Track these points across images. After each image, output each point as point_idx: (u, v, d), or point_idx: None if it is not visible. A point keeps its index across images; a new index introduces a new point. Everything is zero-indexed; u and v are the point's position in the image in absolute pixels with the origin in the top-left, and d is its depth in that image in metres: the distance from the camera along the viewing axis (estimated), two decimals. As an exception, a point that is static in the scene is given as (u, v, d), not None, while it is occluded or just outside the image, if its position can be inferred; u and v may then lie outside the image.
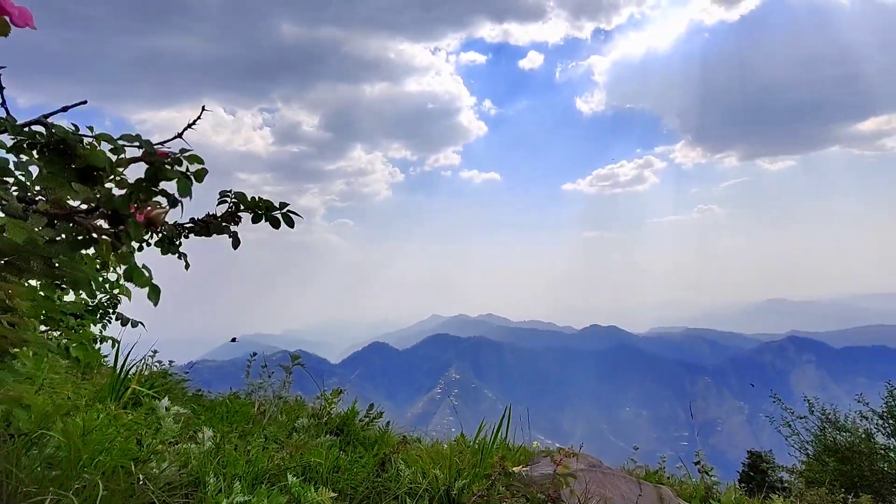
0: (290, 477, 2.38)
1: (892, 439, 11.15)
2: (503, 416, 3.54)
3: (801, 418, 11.61)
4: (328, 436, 3.39)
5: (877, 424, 11.28)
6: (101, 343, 3.75)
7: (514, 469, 2.63)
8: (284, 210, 1.77)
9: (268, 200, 1.76)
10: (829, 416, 11.57)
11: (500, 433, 3.47)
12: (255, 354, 5.03)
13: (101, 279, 3.44)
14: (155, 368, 4.61)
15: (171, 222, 1.76)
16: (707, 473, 4.15)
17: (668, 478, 4.29)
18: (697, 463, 4.78)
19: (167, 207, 1.62)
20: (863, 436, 11.16)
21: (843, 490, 7.35)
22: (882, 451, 10.88)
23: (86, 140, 1.44)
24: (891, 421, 11.01)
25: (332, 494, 2.30)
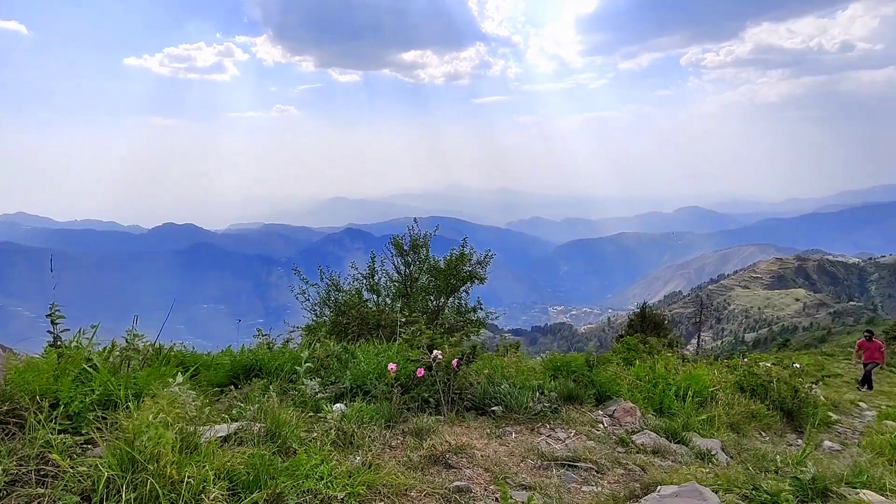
0: None
1: (372, 294, 15.37)
2: None
3: (313, 285, 14.52)
4: None
5: (363, 284, 15.24)
6: None
7: None
8: None
9: None
10: (334, 282, 14.90)
11: None
12: None
13: None
14: None
15: None
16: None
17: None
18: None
19: None
20: (354, 293, 14.90)
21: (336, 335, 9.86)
22: (365, 302, 14.87)
23: None
24: (371, 280, 15.06)
25: None
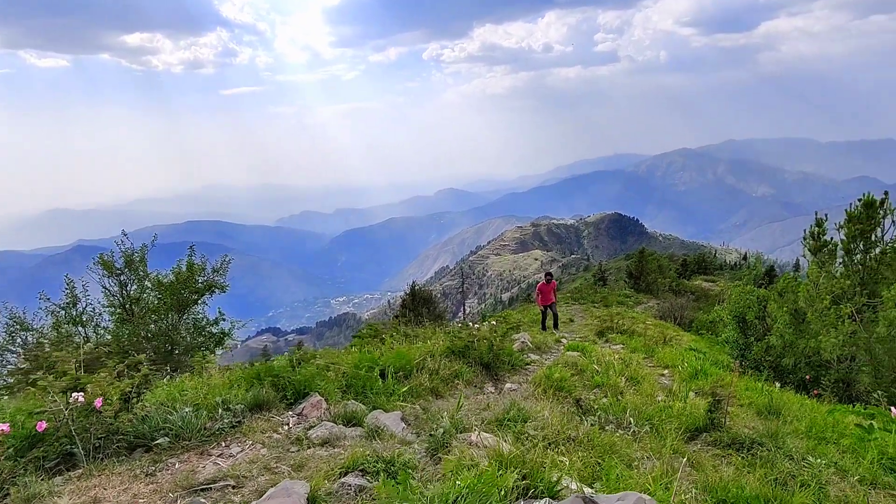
0: None
1: (78, 326, 12.83)
2: None
3: (-15, 329, 11.42)
4: None
5: (62, 316, 12.58)
6: None
7: None
8: None
9: None
10: (17, 320, 11.96)
11: None
12: None
13: None
14: None
15: None
16: None
17: None
18: None
19: None
20: (50, 330, 12.22)
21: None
22: (68, 338, 12.31)
23: None
24: (70, 310, 12.53)
25: None
